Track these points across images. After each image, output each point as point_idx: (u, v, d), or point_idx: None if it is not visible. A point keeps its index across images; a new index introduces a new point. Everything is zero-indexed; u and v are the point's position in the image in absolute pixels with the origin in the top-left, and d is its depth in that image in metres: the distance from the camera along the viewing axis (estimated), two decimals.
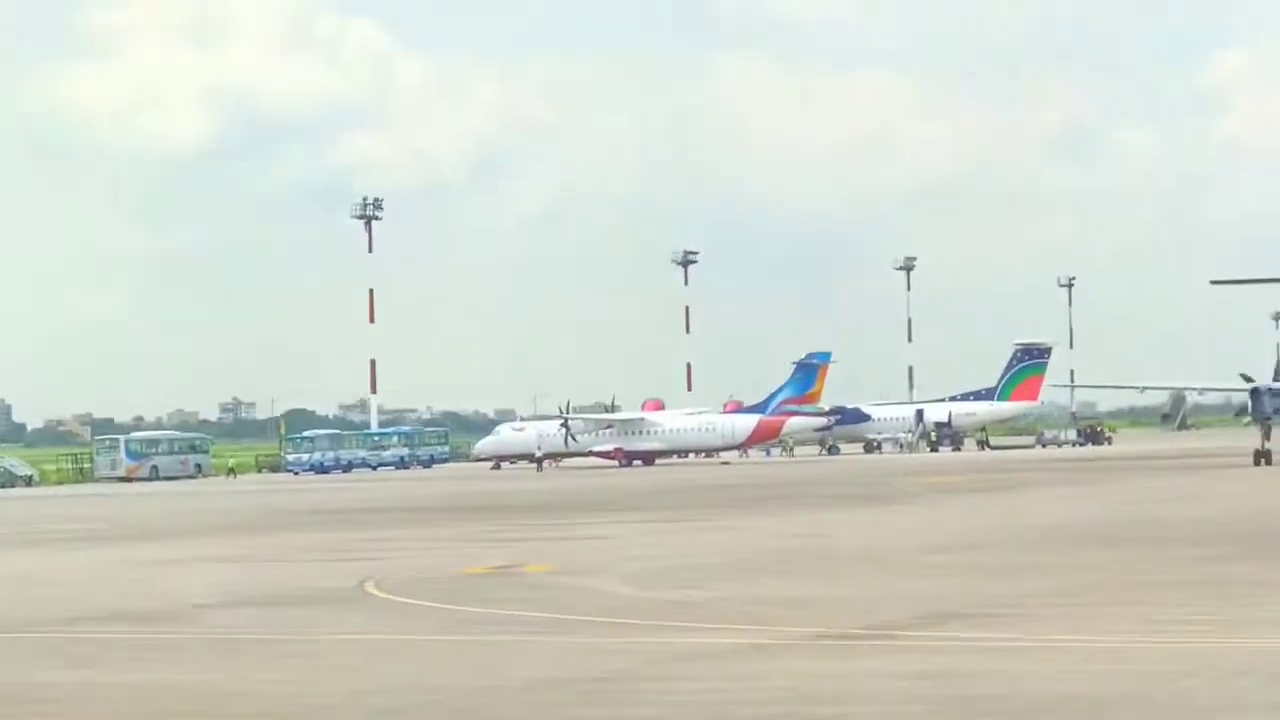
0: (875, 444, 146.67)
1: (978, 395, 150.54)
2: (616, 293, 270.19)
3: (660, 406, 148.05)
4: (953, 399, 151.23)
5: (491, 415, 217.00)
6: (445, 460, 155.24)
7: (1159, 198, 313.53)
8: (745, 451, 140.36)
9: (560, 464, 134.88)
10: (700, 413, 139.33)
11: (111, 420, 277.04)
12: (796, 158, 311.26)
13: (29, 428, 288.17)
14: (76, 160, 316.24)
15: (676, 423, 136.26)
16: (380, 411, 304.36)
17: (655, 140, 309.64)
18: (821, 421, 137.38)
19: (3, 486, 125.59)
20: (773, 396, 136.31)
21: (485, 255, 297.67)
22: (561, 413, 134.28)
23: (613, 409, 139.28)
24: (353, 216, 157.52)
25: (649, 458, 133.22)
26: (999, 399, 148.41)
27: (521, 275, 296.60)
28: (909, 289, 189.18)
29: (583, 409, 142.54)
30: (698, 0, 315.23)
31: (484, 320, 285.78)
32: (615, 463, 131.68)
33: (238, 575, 38.45)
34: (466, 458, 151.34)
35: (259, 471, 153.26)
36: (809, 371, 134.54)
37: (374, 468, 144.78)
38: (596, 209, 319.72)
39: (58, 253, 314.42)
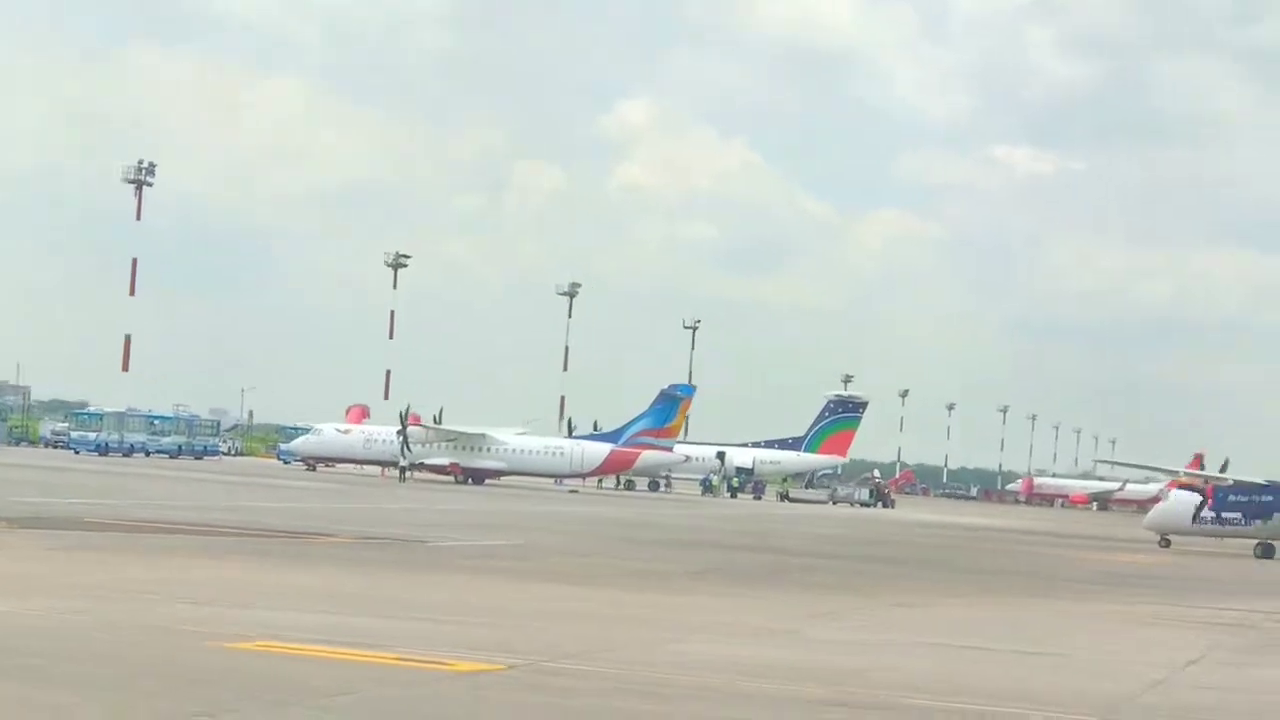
0: (657, 482, 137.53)
1: (783, 444, 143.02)
2: None
3: (366, 413, 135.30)
4: (756, 444, 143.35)
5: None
6: (216, 453, 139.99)
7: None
8: (600, 481, 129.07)
9: (387, 473, 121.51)
10: (523, 433, 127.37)
11: None
12: None
13: None
14: None
15: (522, 443, 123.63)
16: None
17: None
18: (677, 457, 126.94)
19: None
20: (628, 426, 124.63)
21: None
22: (401, 419, 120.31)
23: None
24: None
25: (480, 476, 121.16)
26: (807, 449, 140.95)
27: None
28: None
29: None
30: None
31: None
32: (451, 478, 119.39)
33: None
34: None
35: (15, 444, 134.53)
36: (670, 403, 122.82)
37: (149, 453, 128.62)
38: None
39: None
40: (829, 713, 17.66)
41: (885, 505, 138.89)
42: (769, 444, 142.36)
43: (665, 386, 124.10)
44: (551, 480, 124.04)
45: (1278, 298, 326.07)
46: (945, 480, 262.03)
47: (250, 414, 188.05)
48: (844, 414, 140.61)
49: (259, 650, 19.58)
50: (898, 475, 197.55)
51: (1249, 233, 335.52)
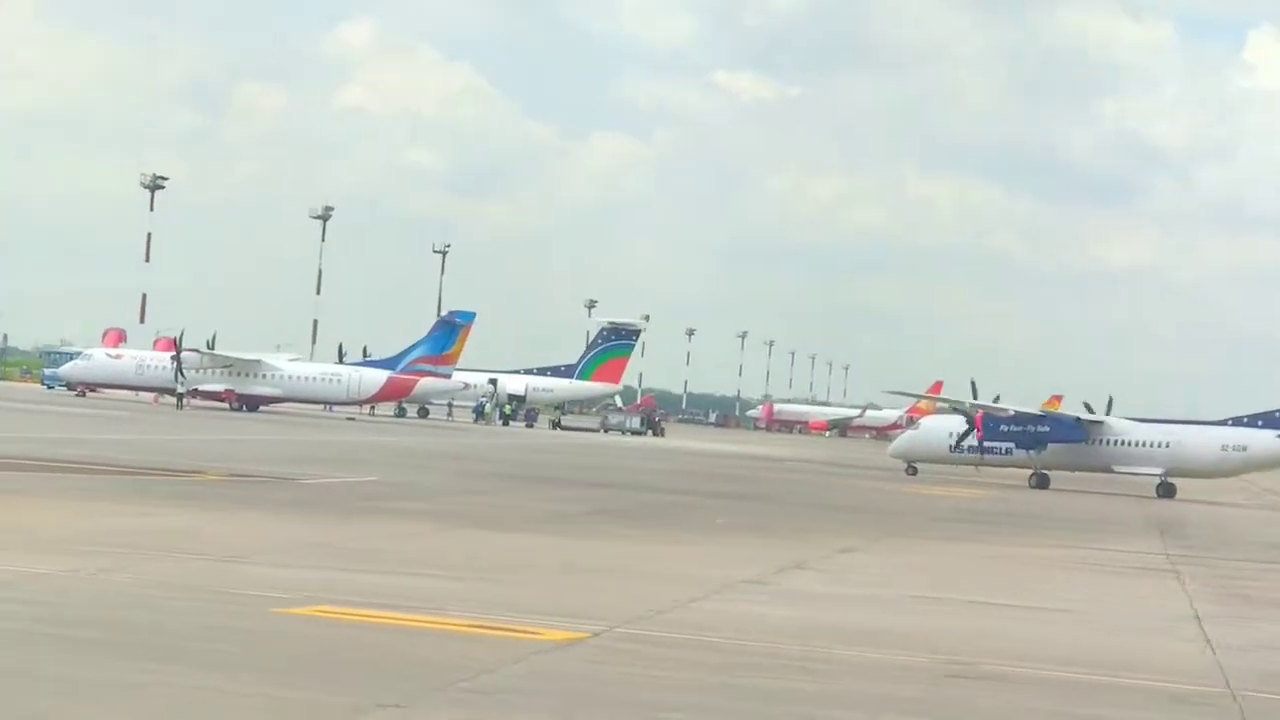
0: (426, 409, 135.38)
1: (556, 371, 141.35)
2: None
3: (122, 337, 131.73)
4: (529, 372, 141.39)
5: None
6: None
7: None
8: (373, 408, 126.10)
9: (160, 400, 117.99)
10: (296, 358, 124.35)
11: None
12: None
13: None
14: None
15: (298, 369, 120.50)
16: None
17: None
18: (456, 384, 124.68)
19: None
20: (406, 352, 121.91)
21: None
22: (176, 345, 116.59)
23: None
24: None
25: (255, 403, 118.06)
26: (580, 378, 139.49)
27: None
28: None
29: None
30: None
31: None
32: (225, 405, 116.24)
33: None
34: None
35: None
36: (450, 330, 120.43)
37: None
38: None
39: None
40: (949, 685, 16.88)
41: (656, 434, 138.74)
42: (541, 371, 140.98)
43: (444, 313, 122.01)
44: (322, 407, 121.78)
45: (994, 224, 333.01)
46: (685, 406, 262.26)
47: (5, 337, 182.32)
48: (617, 341, 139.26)
49: (330, 618, 18.31)
50: (638, 401, 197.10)
51: (965, 159, 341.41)
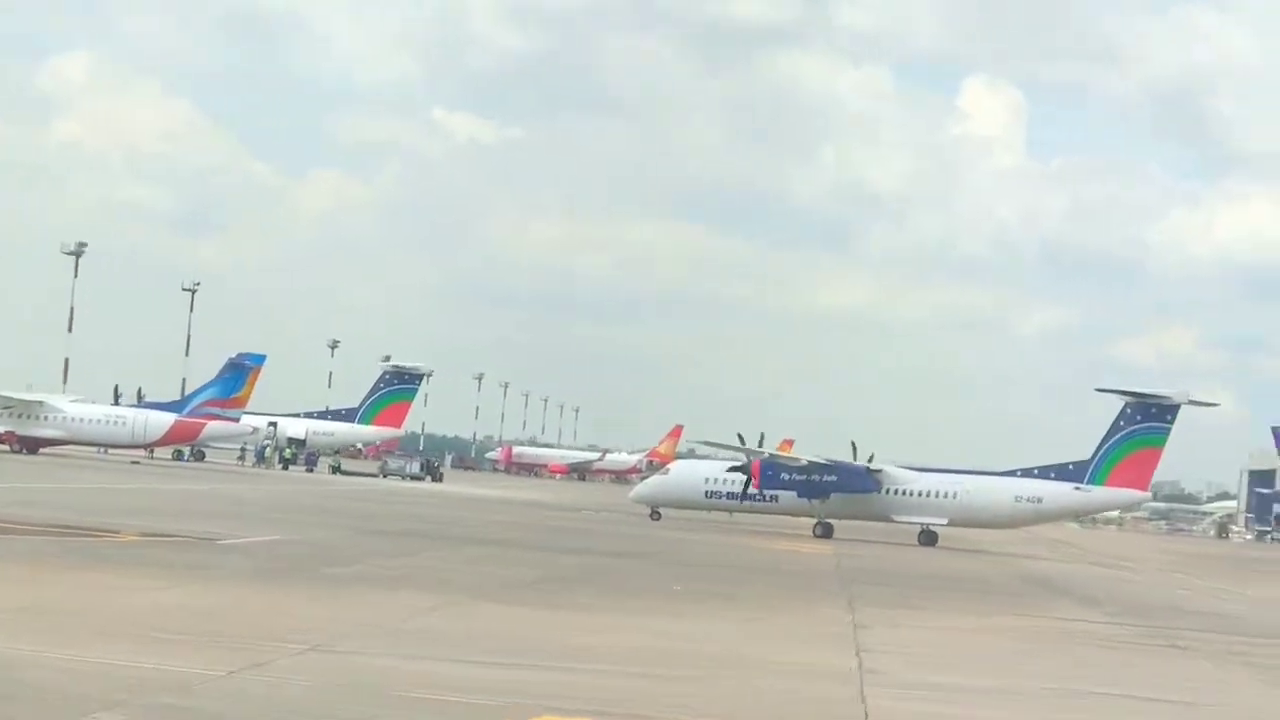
0: (202, 452, 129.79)
1: (337, 415, 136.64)
2: None
3: None
4: (310, 415, 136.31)
5: None
6: None
7: None
8: (152, 452, 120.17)
9: None
10: (78, 400, 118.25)
11: None
12: None
13: None
14: None
15: (81, 411, 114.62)
16: None
17: None
18: (245, 428, 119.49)
19: None
20: (193, 395, 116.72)
21: None
22: None
23: None
24: None
25: (36, 445, 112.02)
26: (361, 422, 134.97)
27: None
28: None
29: None
30: None
31: None
32: (6, 447, 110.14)
33: None
34: None
35: None
36: (239, 373, 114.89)
37: None
38: None
39: None
40: None
41: (435, 479, 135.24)
42: (322, 415, 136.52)
43: (233, 355, 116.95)
44: (97, 449, 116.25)
45: (718, 268, 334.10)
46: (422, 448, 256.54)
47: None
48: (400, 385, 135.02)
49: None
50: (379, 444, 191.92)
51: (689, 204, 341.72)
